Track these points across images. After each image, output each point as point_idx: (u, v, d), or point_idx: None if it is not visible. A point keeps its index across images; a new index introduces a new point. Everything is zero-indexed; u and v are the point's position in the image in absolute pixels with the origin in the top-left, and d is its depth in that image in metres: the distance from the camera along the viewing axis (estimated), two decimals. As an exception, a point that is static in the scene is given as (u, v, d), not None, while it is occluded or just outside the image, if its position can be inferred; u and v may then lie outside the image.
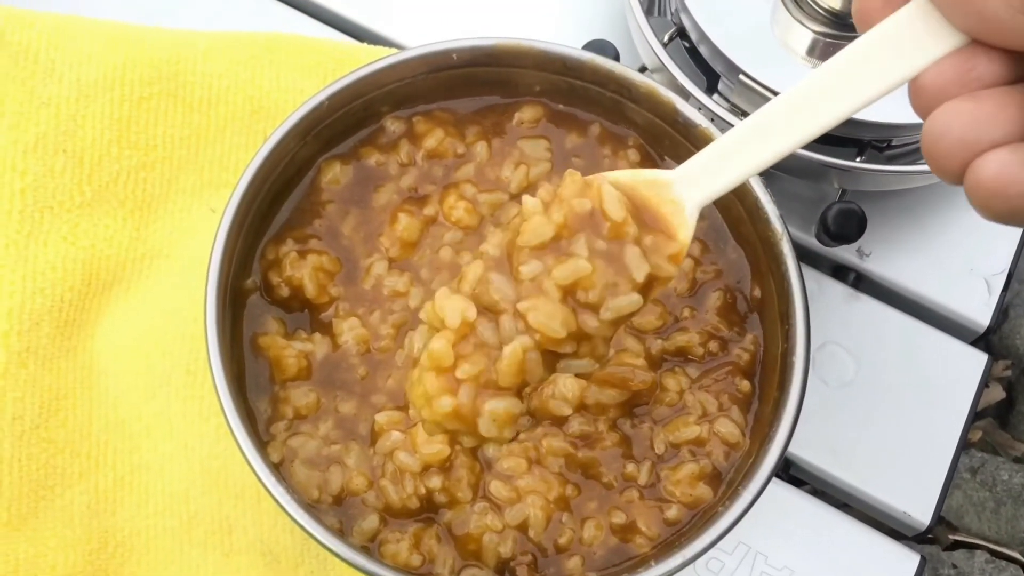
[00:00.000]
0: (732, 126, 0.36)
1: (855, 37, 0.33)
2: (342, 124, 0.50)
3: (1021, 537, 0.76)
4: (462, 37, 0.50)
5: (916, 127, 0.54)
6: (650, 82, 0.49)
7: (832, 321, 0.59)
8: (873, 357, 0.59)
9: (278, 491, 0.42)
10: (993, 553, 0.77)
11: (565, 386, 0.45)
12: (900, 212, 0.62)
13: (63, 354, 0.52)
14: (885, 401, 0.58)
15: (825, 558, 0.55)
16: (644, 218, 0.37)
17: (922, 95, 0.31)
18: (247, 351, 0.47)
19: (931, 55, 0.31)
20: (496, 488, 0.45)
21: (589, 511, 0.45)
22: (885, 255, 0.61)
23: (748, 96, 0.54)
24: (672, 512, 0.45)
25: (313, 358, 0.47)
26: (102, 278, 0.54)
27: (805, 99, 0.33)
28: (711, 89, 0.57)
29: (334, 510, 0.44)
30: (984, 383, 0.59)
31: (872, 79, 0.32)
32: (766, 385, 0.47)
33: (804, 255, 0.61)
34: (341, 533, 0.43)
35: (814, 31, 0.56)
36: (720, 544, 0.42)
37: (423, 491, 0.44)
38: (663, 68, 0.55)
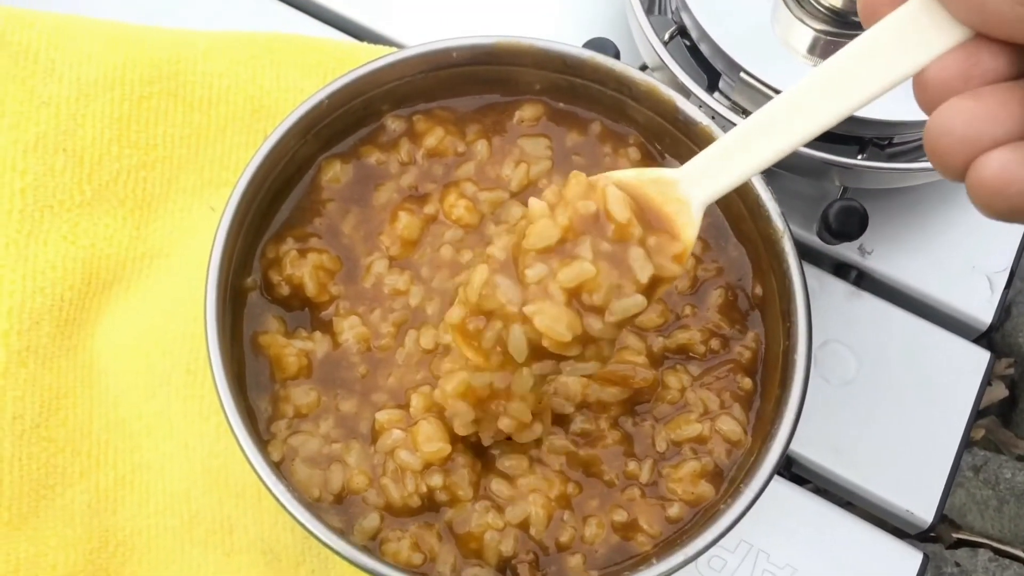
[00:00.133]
0: (733, 124, 0.36)
1: (856, 35, 0.33)
2: (342, 123, 0.50)
3: (1024, 535, 0.76)
4: (462, 36, 0.50)
5: (918, 124, 0.54)
6: (651, 80, 0.49)
7: (834, 319, 0.59)
8: (875, 355, 0.59)
9: (279, 490, 0.41)
10: (996, 551, 0.77)
11: (567, 384, 0.45)
12: (902, 210, 0.62)
13: (63, 353, 0.52)
14: (887, 399, 0.58)
15: (827, 556, 0.54)
16: (648, 218, 0.37)
17: (926, 90, 0.31)
18: (247, 350, 0.47)
19: (935, 49, 0.31)
20: (497, 486, 0.45)
21: (591, 509, 0.45)
22: (887, 253, 0.61)
23: (749, 94, 0.54)
24: (674, 510, 0.45)
25: (313, 357, 0.47)
26: (102, 277, 0.54)
27: (809, 95, 0.33)
28: (712, 87, 0.57)
29: (335, 509, 0.44)
30: (986, 381, 0.59)
31: (876, 74, 0.32)
32: (768, 383, 0.47)
33: (806, 253, 0.61)
34: (342, 532, 0.43)
35: (815, 29, 0.56)
36: (722, 542, 0.42)
37: (424, 489, 0.44)
38: (664, 66, 0.55)
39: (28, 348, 0.51)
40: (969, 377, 0.59)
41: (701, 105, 0.53)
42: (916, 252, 0.61)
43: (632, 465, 0.45)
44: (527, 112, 0.51)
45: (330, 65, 0.58)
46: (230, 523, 0.50)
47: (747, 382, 0.47)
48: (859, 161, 0.54)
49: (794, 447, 0.57)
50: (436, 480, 0.44)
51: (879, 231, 0.61)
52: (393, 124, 0.51)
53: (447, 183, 0.50)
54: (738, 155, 0.36)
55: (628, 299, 0.37)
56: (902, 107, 0.51)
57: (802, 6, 0.56)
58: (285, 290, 0.48)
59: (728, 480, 0.45)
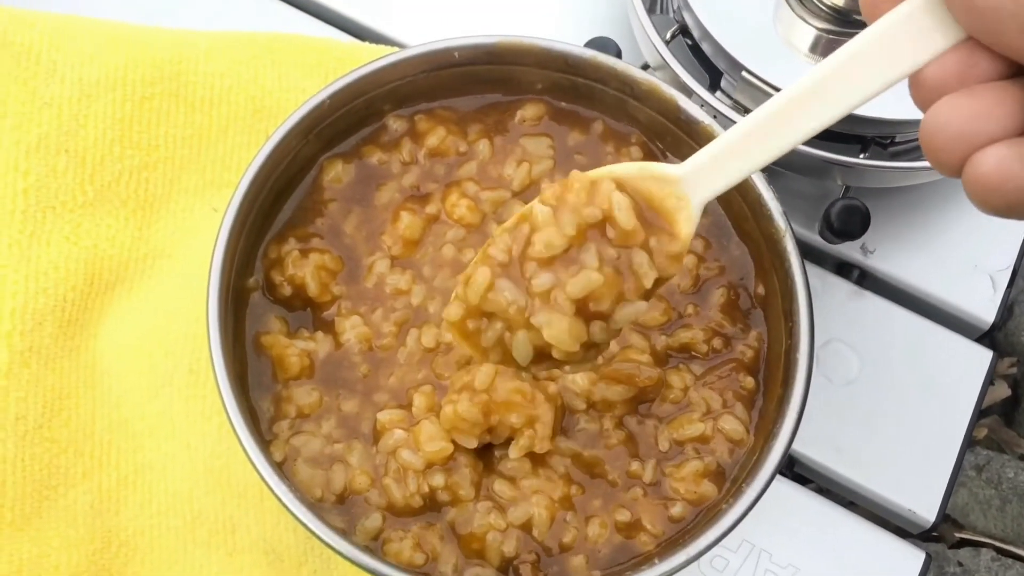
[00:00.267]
0: (735, 123, 0.36)
1: (857, 34, 0.33)
2: (344, 123, 0.50)
3: (1027, 535, 0.76)
4: (464, 35, 0.50)
5: (919, 123, 0.53)
6: (652, 79, 0.49)
7: (836, 318, 0.59)
8: (877, 354, 0.59)
9: (281, 490, 0.41)
10: (999, 551, 0.77)
11: (575, 382, 0.45)
12: (904, 209, 0.62)
13: (66, 354, 0.52)
14: (889, 398, 0.58)
15: (830, 556, 0.54)
16: (647, 215, 0.37)
17: (923, 88, 0.31)
18: (249, 350, 0.47)
19: (936, 48, 0.31)
20: (500, 487, 0.45)
21: (593, 509, 0.45)
22: (889, 252, 0.61)
23: (751, 93, 0.54)
24: (676, 509, 0.45)
25: (315, 357, 0.47)
26: (105, 278, 0.54)
27: (810, 92, 0.33)
28: (714, 86, 0.57)
29: (337, 509, 0.44)
30: (989, 380, 0.59)
31: (877, 72, 0.32)
32: (770, 382, 0.47)
33: (808, 252, 0.61)
34: (344, 532, 0.43)
35: (817, 28, 0.56)
36: (725, 542, 0.42)
37: (426, 489, 0.44)
38: (665, 65, 0.55)
39: (31, 349, 0.51)
40: (971, 376, 0.59)
41: (703, 104, 0.53)
42: (918, 251, 0.61)
43: (635, 465, 0.45)
44: (529, 111, 0.51)
45: (332, 65, 0.58)
46: (232, 523, 0.50)
47: (749, 381, 0.47)
48: (861, 160, 0.54)
49: (796, 446, 0.57)
50: (438, 480, 0.44)
51: (881, 230, 0.61)
52: (395, 124, 0.51)
53: (449, 183, 0.50)
54: (739, 152, 0.36)
55: (632, 307, 0.37)
56: (904, 106, 0.51)
57: (804, 5, 0.56)
58: (287, 290, 0.48)
59: (730, 479, 0.45)
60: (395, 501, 0.44)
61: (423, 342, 0.47)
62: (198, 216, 0.56)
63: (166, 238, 0.55)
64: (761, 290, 0.48)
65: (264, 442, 0.44)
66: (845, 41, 0.33)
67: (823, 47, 0.55)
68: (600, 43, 0.55)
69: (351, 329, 0.47)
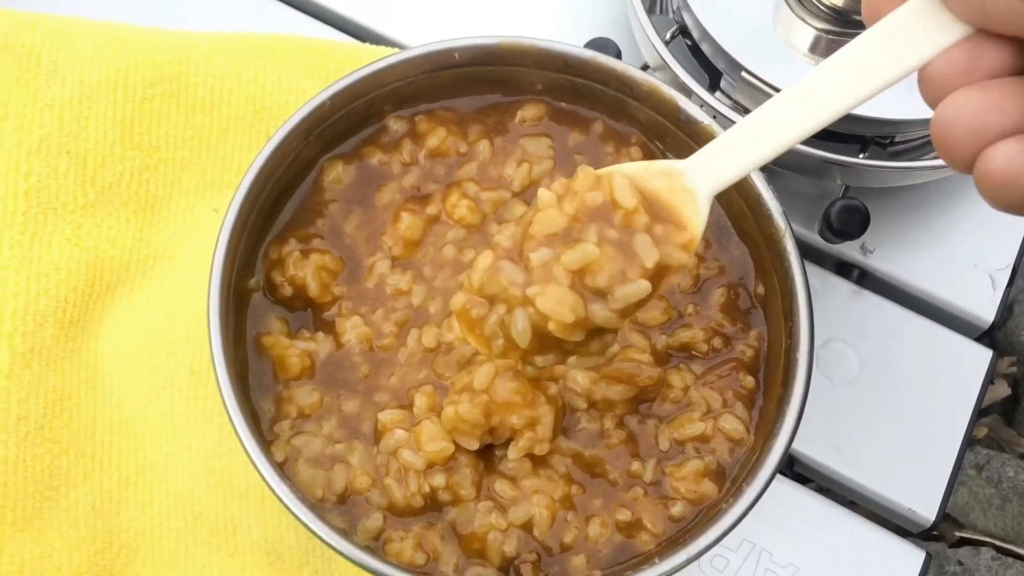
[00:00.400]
0: (734, 123, 0.36)
1: (857, 34, 0.33)
2: (344, 124, 0.50)
3: (1027, 534, 0.76)
4: (464, 36, 0.50)
5: (919, 123, 0.54)
6: (652, 80, 0.49)
7: (836, 318, 0.59)
8: (877, 354, 0.59)
9: (282, 490, 0.42)
10: (999, 550, 0.77)
11: (575, 381, 0.45)
12: (904, 208, 0.62)
13: (67, 355, 0.52)
14: (889, 398, 0.58)
15: (830, 555, 0.54)
16: (656, 210, 0.37)
17: (930, 83, 0.31)
18: (250, 351, 0.47)
19: (938, 45, 0.31)
20: (500, 487, 0.45)
21: (594, 509, 0.45)
22: (889, 251, 0.61)
23: (750, 93, 0.54)
24: (677, 509, 0.45)
25: (316, 357, 0.47)
26: (106, 279, 0.54)
27: (816, 88, 0.34)
28: (713, 87, 0.57)
29: (338, 509, 0.44)
30: (989, 379, 0.59)
31: (881, 68, 0.32)
32: (770, 381, 0.47)
33: (808, 252, 0.61)
34: (345, 532, 0.43)
35: (816, 28, 0.56)
36: (725, 541, 0.42)
37: (427, 489, 0.44)
38: (665, 66, 0.55)
39: (32, 350, 0.51)
40: (971, 375, 0.59)
41: (703, 104, 0.53)
42: (918, 251, 0.61)
43: (636, 464, 0.45)
44: (529, 112, 0.51)
45: (332, 66, 0.58)
46: (234, 524, 0.51)
47: (749, 381, 0.47)
48: (861, 160, 0.54)
49: (796, 446, 0.57)
50: (439, 480, 0.44)
51: (881, 230, 0.61)
52: (395, 125, 0.51)
53: (449, 183, 0.50)
54: (745, 145, 0.36)
55: (632, 284, 0.36)
56: (904, 105, 0.51)
57: (803, 5, 0.56)
58: (288, 291, 0.48)
59: (731, 479, 0.45)
60: (396, 501, 0.44)
61: (424, 342, 0.47)
62: (199, 217, 0.56)
63: (167, 239, 0.55)
64: (761, 290, 0.49)
65: (265, 443, 0.44)
66: (845, 41, 0.33)
67: (823, 47, 0.55)
68: (600, 44, 0.55)
69: (352, 329, 0.47)
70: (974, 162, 0.30)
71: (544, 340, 0.38)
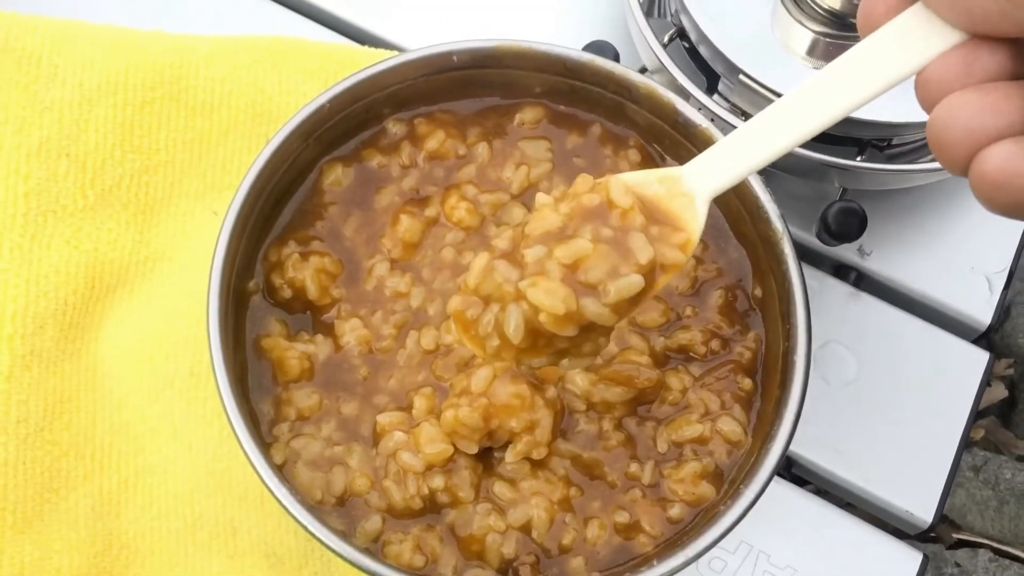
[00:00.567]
0: (733, 127, 0.37)
1: (855, 37, 0.33)
2: (344, 126, 0.50)
3: (1024, 535, 0.76)
4: (463, 39, 0.50)
5: (916, 126, 0.54)
6: (650, 83, 0.49)
7: (833, 320, 0.60)
8: (875, 356, 0.59)
9: (281, 493, 0.42)
10: (996, 552, 0.77)
11: (574, 382, 0.45)
12: (901, 211, 0.62)
13: (67, 357, 0.52)
14: (887, 400, 0.58)
15: (828, 557, 0.55)
16: (654, 214, 0.38)
17: (927, 87, 0.31)
18: (250, 353, 0.47)
19: (932, 51, 0.31)
20: (499, 489, 0.45)
21: (593, 511, 0.45)
22: (886, 254, 0.61)
23: (748, 96, 0.54)
24: (675, 511, 0.45)
25: (315, 359, 0.47)
26: (105, 281, 0.54)
27: (814, 92, 0.34)
28: (711, 90, 0.57)
29: (337, 511, 0.45)
30: (986, 381, 0.59)
31: (878, 74, 0.33)
32: (768, 383, 0.47)
33: (805, 254, 0.61)
34: (344, 534, 0.43)
35: (814, 31, 0.56)
36: (723, 543, 0.42)
37: (426, 491, 0.44)
38: (663, 69, 0.55)
39: (32, 352, 0.51)
40: (968, 377, 0.59)
41: (700, 107, 0.53)
42: (915, 253, 0.62)
43: (634, 466, 0.45)
44: (527, 115, 0.51)
45: (331, 69, 0.58)
46: (233, 526, 0.51)
47: (747, 383, 0.47)
48: (858, 163, 0.55)
49: (794, 448, 0.57)
50: (438, 482, 0.44)
51: (878, 232, 0.61)
52: (394, 127, 0.51)
53: (448, 186, 0.50)
54: (743, 149, 0.36)
55: (624, 279, 0.36)
56: (901, 109, 0.51)
57: (801, 8, 0.56)
58: (287, 293, 0.48)
59: (728, 481, 0.45)
60: (395, 503, 0.44)
61: (423, 344, 0.47)
62: (199, 220, 0.56)
63: (167, 242, 0.56)
64: (759, 292, 0.49)
65: (264, 445, 0.44)
66: (842, 44, 0.33)
67: (820, 50, 0.56)
68: (598, 47, 0.55)
69: (351, 332, 0.47)
70: (970, 164, 0.30)
71: (537, 338, 0.38)
